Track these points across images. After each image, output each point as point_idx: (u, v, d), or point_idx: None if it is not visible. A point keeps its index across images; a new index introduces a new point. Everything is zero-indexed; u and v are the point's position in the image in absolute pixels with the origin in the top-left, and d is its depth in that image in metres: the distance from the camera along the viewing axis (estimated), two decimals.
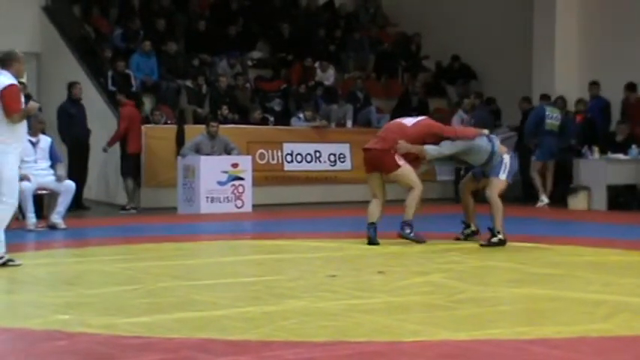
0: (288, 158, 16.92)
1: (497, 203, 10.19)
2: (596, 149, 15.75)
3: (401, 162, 10.32)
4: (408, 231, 10.29)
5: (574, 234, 11.57)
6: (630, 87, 16.52)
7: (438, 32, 20.99)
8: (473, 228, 10.70)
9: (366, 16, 22.18)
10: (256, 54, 19.35)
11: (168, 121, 16.20)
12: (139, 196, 15.57)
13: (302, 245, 10.29)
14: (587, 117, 16.78)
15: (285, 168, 16.87)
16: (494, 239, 10.04)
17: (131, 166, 15.34)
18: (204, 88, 17.17)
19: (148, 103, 16.91)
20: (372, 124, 18.12)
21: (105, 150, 15.60)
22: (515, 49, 19.17)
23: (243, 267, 8.77)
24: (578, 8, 18.20)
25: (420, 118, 11.02)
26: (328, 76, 19.05)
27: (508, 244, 10.05)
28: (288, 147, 16.92)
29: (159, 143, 15.69)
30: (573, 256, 9.35)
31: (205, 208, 14.51)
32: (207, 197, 14.61)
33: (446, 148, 10.38)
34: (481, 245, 10.05)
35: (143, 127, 15.62)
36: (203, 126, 15.30)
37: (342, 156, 17.42)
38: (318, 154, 17.20)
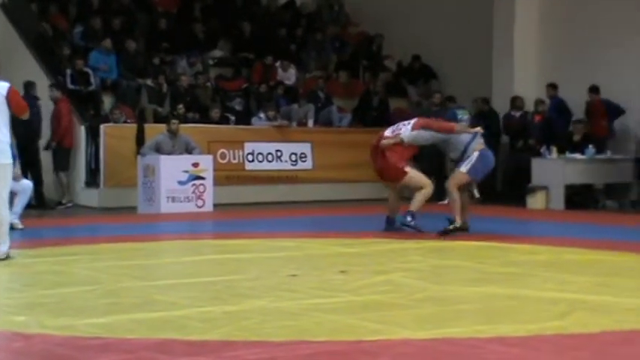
0: (250, 157, 16.90)
1: (456, 195, 10.82)
2: (554, 149, 15.89)
3: (406, 168, 11.01)
4: (409, 219, 10.88)
5: (532, 233, 11.68)
6: (593, 89, 16.69)
7: (400, 32, 21.07)
8: (464, 226, 11.09)
9: (328, 16, 22.21)
10: (217, 53, 19.30)
11: (128, 120, 16.14)
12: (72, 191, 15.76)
13: (263, 245, 10.29)
14: (545, 117, 16.92)
15: (247, 167, 16.85)
16: (450, 227, 10.66)
17: (67, 161, 15.44)
18: (165, 87, 17.11)
19: (107, 101, 16.84)
20: (333, 123, 18.18)
21: (50, 147, 15.64)
22: (475, 49, 19.29)
23: (203, 267, 8.74)
24: (537, 10, 18.34)
25: (413, 120, 11.43)
26: (289, 75, 19.06)
27: (468, 243, 10.13)
28: (249, 146, 16.90)
29: (118, 142, 15.62)
30: (531, 254, 9.43)
31: (166, 207, 14.45)
32: (168, 197, 14.56)
33: (421, 134, 11.09)
34: (439, 234, 10.58)
35: (102, 126, 15.61)
36: (164, 125, 15.25)
37: (303, 155, 17.42)
38: (279, 154, 17.20)
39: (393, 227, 11.23)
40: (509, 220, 13.94)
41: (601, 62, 17.14)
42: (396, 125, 11.48)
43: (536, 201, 15.63)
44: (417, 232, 10.91)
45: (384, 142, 11.10)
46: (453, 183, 10.96)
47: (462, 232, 10.75)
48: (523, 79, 18.00)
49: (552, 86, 17.23)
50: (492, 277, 7.85)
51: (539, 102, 17.11)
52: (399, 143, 11.07)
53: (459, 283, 7.46)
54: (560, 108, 17.13)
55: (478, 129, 11.31)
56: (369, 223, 13.35)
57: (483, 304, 6.52)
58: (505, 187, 17.63)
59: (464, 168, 10.94)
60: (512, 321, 5.85)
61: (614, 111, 16.42)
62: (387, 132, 11.35)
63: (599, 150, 15.99)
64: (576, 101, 17.00)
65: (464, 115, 16.36)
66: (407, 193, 11.69)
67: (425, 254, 9.34)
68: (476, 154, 10.98)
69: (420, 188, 11.07)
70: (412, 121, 11.34)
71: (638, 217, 14.25)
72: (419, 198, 11.02)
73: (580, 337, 5.43)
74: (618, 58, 16.87)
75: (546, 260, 9.04)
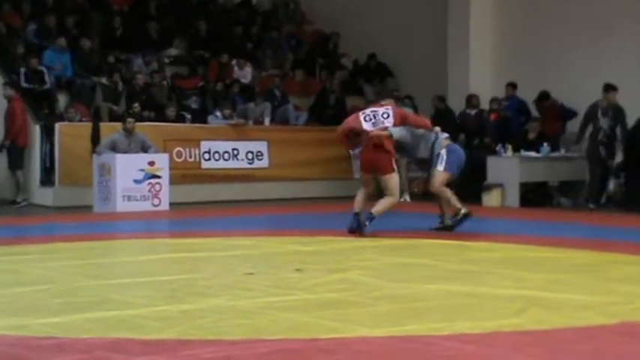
0: (206, 156, 16.83)
1: (445, 192, 11.10)
2: (509, 147, 15.99)
3: (395, 167, 10.90)
4: (367, 222, 10.70)
5: (488, 231, 11.72)
6: (543, 96, 16.85)
7: (355, 30, 21.11)
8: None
9: (284, 14, 22.20)
10: (173, 51, 19.20)
11: (83, 119, 16.01)
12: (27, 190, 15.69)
13: (219, 243, 10.24)
14: (501, 115, 17.03)
15: (203, 166, 16.78)
16: (458, 217, 10.98)
17: (22, 160, 15.41)
18: (120, 86, 16.99)
19: (62, 100, 16.69)
20: (289, 121, 18.17)
21: (4, 146, 15.51)
22: (431, 47, 19.37)
23: (159, 265, 8.69)
24: (492, 6, 18.46)
25: (390, 111, 11.14)
26: (245, 73, 19.02)
27: (425, 241, 10.19)
28: (205, 145, 16.84)
29: (74, 141, 15.49)
30: (488, 252, 9.49)
31: (121, 206, 14.35)
32: (124, 196, 14.45)
33: (403, 132, 11.04)
34: (442, 228, 11.01)
35: (57, 125, 15.48)
36: (119, 124, 15.15)
37: (259, 154, 17.39)
38: (235, 152, 17.15)
39: (359, 224, 10.92)
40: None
41: (557, 59, 17.28)
42: (370, 115, 10.99)
43: (491, 198, 15.72)
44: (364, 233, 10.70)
45: (376, 133, 10.75)
46: (437, 184, 11.10)
47: (469, 216, 11.08)
48: (479, 77, 18.10)
49: (512, 85, 17.35)
50: (449, 274, 7.88)
51: (493, 100, 17.21)
52: (389, 137, 10.85)
53: (416, 280, 7.48)
54: (520, 108, 17.26)
55: (437, 129, 11.35)
56: (326, 221, 13.38)
57: (440, 302, 6.54)
58: (461, 185, 17.70)
59: (440, 167, 11.11)
60: (468, 318, 5.87)
61: (567, 113, 16.60)
62: (367, 125, 10.89)
63: (554, 148, 16.13)
64: (532, 99, 17.13)
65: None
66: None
67: (381, 252, 9.36)
68: (444, 151, 11.13)
69: (391, 195, 10.89)
70: (389, 112, 10.98)
71: (591, 214, 14.38)
72: (386, 204, 10.83)
73: (536, 334, 5.46)
74: (575, 55, 17.02)
75: (502, 258, 9.10)
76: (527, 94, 17.14)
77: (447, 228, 11.17)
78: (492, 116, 17.15)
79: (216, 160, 16.91)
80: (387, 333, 5.40)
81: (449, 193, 11.16)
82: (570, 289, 7.06)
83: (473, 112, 17.39)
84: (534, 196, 16.12)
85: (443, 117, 17.29)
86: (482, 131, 17.17)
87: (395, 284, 7.24)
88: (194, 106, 17.77)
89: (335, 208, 15.61)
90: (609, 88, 14.79)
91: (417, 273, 7.95)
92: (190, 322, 5.71)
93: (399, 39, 20.26)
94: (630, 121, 15.03)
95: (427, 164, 11.41)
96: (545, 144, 15.98)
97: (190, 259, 8.99)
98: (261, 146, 17.42)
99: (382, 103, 11.37)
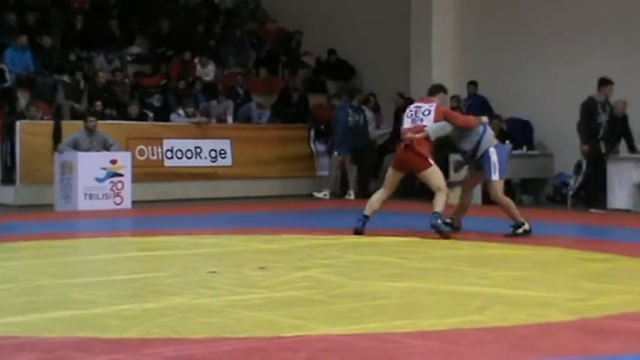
0: (169, 154, 16.77)
1: (505, 200, 10.78)
2: None
3: (431, 161, 10.74)
4: (440, 221, 10.59)
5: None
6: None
7: (318, 28, 21.12)
8: (456, 224, 11.09)
9: (246, 12, 22.16)
10: (135, 49, 19.11)
11: (45, 117, 15.89)
12: None
13: (182, 242, 10.22)
14: (462, 113, 17.09)
15: (166, 164, 16.71)
16: (519, 230, 10.60)
17: None
18: (82, 84, 16.88)
19: (23, 98, 16.55)
20: (252, 120, 18.15)
21: None
22: (393, 45, 19.42)
23: (122, 264, 8.66)
24: (454, 4, 18.56)
25: (431, 107, 10.85)
26: (208, 71, 18.97)
27: (389, 238, 10.22)
28: (168, 143, 16.77)
29: (35, 139, 15.36)
30: (451, 249, 9.54)
31: (83, 205, 14.26)
32: (86, 194, 14.36)
33: (444, 125, 10.80)
34: (505, 235, 10.55)
35: (18, 123, 15.36)
36: (81, 122, 15.05)
37: (222, 152, 17.36)
38: (198, 150, 17.10)
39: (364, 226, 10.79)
40: (427, 216, 14.03)
41: (519, 58, 17.41)
42: (413, 111, 10.82)
43: (455, 196, 15.76)
44: (448, 234, 10.55)
45: (409, 135, 10.57)
46: (498, 194, 10.77)
47: (528, 233, 10.66)
48: (441, 74, 18.17)
49: (473, 83, 17.44)
50: (412, 272, 7.92)
51: (453, 98, 17.29)
52: (426, 138, 10.62)
53: (379, 278, 7.51)
54: (483, 106, 17.35)
55: (485, 119, 11.14)
56: (289, 219, 13.38)
57: (403, 299, 6.57)
58: (425, 184, 17.78)
59: (495, 176, 10.77)
60: (431, 316, 5.91)
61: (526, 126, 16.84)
62: (406, 123, 10.74)
63: (516, 146, 16.24)
64: (494, 96, 17.25)
65: (354, 111, 16.81)
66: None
67: (344, 250, 9.38)
68: (492, 150, 10.83)
69: (438, 190, 10.70)
70: (431, 109, 10.74)
71: (553, 211, 14.50)
72: (442, 199, 10.64)
73: (497, 331, 5.51)
74: (537, 54, 17.17)
75: (465, 255, 9.16)
76: (491, 92, 17.26)
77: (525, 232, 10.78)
78: None
79: (179, 158, 16.85)
80: (349, 331, 5.41)
81: (511, 203, 10.87)
82: (532, 286, 7.13)
83: None
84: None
85: (403, 112, 17.38)
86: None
87: (357, 282, 7.27)
88: (157, 104, 17.70)
89: (298, 206, 15.64)
90: (607, 82, 14.33)
91: (380, 271, 7.98)
92: (153, 320, 5.70)
93: (362, 37, 20.30)
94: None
95: (472, 157, 11.01)
96: (507, 142, 16.07)
97: (153, 257, 8.96)
98: (224, 144, 17.38)
99: (430, 98, 11.02)
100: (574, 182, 15.47)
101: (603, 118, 14.51)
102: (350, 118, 16.99)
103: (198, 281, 7.34)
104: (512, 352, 5.03)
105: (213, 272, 7.78)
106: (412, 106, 11.01)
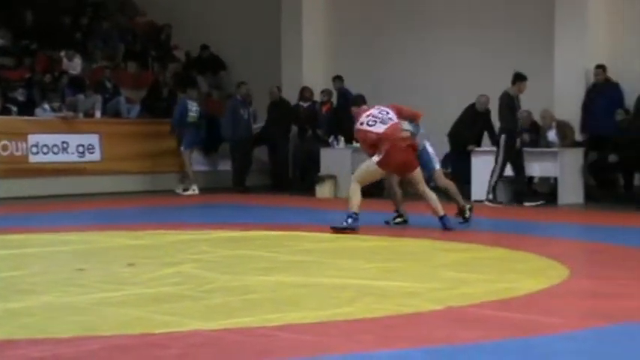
0: (34, 150, 16.39)
1: (451, 184, 11.31)
2: (342, 139, 16.22)
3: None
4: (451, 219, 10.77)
5: (321, 221, 11.84)
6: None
7: (189, 22, 20.97)
8: (404, 217, 11.29)
9: (114, 5, 21.82)
10: None
11: None
12: None
13: (48, 239, 9.99)
14: (332, 108, 17.27)
15: (31, 160, 16.33)
16: (467, 214, 11.03)
17: None
18: None
19: None
20: (121, 114, 17.90)
21: None
22: (265, 40, 19.43)
23: None
24: (324, 1, 18.70)
25: (387, 109, 10.89)
26: (75, 65, 18.60)
27: (259, 233, 10.24)
28: (33, 138, 16.39)
29: None
30: (321, 242, 9.62)
31: None
32: None
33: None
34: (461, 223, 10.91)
35: None
36: None
37: (90, 147, 17.07)
38: (65, 146, 16.78)
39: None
40: (299, 210, 14.15)
41: (386, 52, 17.67)
42: (372, 120, 10.66)
43: (324, 190, 15.93)
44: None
45: (400, 135, 10.64)
46: (443, 180, 11.30)
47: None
48: (311, 69, 18.31)
49: (339, 78, 17.58)
50: (283, 265, 7.96)
51: (324, 92, 17.44)
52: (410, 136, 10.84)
53: (249, 272, 7.51)
54: (348, 99, 17.52)
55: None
56: (159, 214, 13.27)
57: (273, 293, 6.59)
58: (295, 177, 17.92)
59: (437, 166, 11.38)
60: (302, 309, 5.95)
61: None
62: (378, 128, 10.58)
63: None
64: (362, 91, 17.42)
65: (193, 107, 16.89)
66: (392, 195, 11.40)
67: (215, 245, 9.35)
68: (427, 143, 11.29)
69: (423, 190, 10.78)
70: (388, 109, 10.81)
71: (420, 203, 14.74)
72: (434, 198, 10.75)
73: (367, 322, 5.59)
74: (407, 48, 17.46)
75: (335, 248, 9.24)
76: (360, 87, 17.43)
77: (404, 222, 11.25)
78: (324, 108, 17.37)
79: (45, 153, 16.49)
80: (219, 326, 5.41)
81: (452, 185, 11.33)
82: (400, 277, 7.26)
83: (306, 104, 17.56)
84: (366, 186, 16.39)
85: (278, 108, 17.48)
86: (315, 123, 17.38)
87: (228, 277, 7.25)
88: (21, 98, 17.23)
89: (168, 202, 15.52)
90: (523, 77, 14.26)
91: (251, 265, 7.98)
92: (17, 320, 5.57)
93: (232, 31, 20.25)
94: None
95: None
96: None
97: (17, 255, 8.72)
98: (93, 139, 17.10)
99: (364, 108, 11.06)
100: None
101: (520, 114, 14.52)
102: (192, 114, 16.98)
103: (64, 279, 7.20)
104: (381, 341, 5.11)
105: (81, 270, 7.64)
106: (371, 112, 10.80)
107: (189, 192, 16.73)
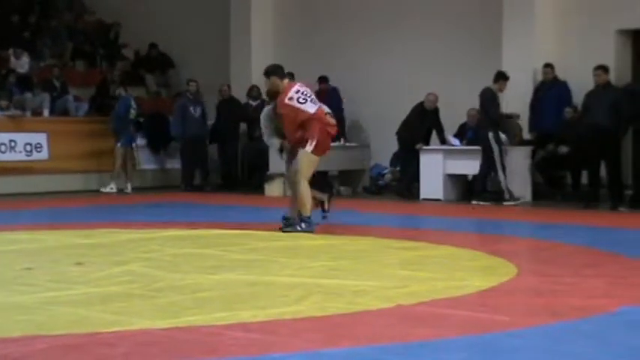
0: None
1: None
2: None
3: None
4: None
5: (270, 220, 11.84)
6: (322, 79, 17.18)
7: (137, 20, 20.86)
8: (326, 199, 10.79)
9: (63, 3, 21.64)
10: None
11: None
12: None
13: None
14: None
15: None
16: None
17: None
18: None
19: None
20: (70, 112, 17.77)
21: None
22: (214, 37, 19.39)
23: None
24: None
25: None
26: (23, 63, 18.45)
27: (209, 231, 10.22)
28: None
29: None
30: (270, 241, 9.60)
31: None
32: None
33: None
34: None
35: None
36: None
37: (38, 145, 16.93)
38: (13, 144, 16.63)
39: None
40: (248, 208, 14.14)
41: (335, 50, 17.71)
42: (306, 93, 10.19)
43: (273, 188, 15.94)
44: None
45: (328, 120, 10.20)
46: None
47: None
48: (260, 67, 18.24)
49: (290, 75, 17.56)
50: (232, 264, 7.95)
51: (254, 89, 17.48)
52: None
53: (199, 271, 7.50)
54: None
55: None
56: (107, 213, 13.19)
57: (223, 292, 6.59)
58: (244, 175, 17.91)
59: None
60: (251, 307, 5.94)
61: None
62: (312, 107, 10.10)
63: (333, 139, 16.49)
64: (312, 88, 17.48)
65: (135, 104, 16.91)
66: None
67: (163, 243, 9.30)
68: None
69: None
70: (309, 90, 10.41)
71: (369, 202, 14.83)
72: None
73: (316, 320, 5.60)
74: (358, 42, 17.53)
75: (284, 246, 9.24)
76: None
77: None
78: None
79: None
80: (169, 324, 5.39)
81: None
82: (349, 275, 7.28)
83: (255, 102, 17.54)
84: (315, 185, 16.42)
85: (228, 106, 17.48)
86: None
87: (178, 275, 7.24)
88: None
89: (116, 200, 15.43)
90: (505, 77, 14.36)
91: (201, 263, 7.97)
92: None
93: (181, 29, 20.18)
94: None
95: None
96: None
97: None
98: (40, 138, 16.96)
99: (290, 82, 10.59)
100: (388, 173, 15.93)
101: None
102: (133, 111, 16.93)
103: (12, 278, 7.14)
104: (330, 340, 5.12)
105: (29, 269, 7.58)
106: (301, 89, 10.24)
107: (107, 190, 16.59)
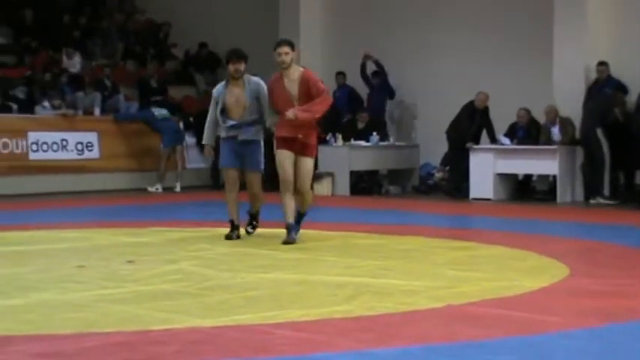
0: (34, 147, 16.41)
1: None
2: (339, 136, 16.24)
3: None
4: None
5: (320, 219, 11.83)
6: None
7: (187, 20, 20.98)
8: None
9: (113, 3, 21.83)
10: None
11: None
12: None
13: (49, 236, 10.00)
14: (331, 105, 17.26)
15: (31, 157, 16.35)
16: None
17: None
18: None
19: None
20: (120, 112, 17.90)
21: None
22: (263, 37, 19.41)
23: None
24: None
25: None
26: (74, 63, 18.63)
27: (258, 230, 10.22)
28: (33, 136, 16.41)
29: None
30: (319, 240, 9.59)
31: None
32: None
33: None
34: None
35: None
36: None
37: (89, 144, 17.09)
38: (65, 143, 16.80)
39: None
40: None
41: (385, 50, 17.67)
42: None
43: (322, 187, 15.94)
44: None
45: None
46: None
47: None
48: (310, 65, 18.26)
49: (341, 74, 17.62)
50: (282, 263, 7.96)
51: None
52: None
53: (249, 270, 7.52)
54: (351, 96, 17.56)
55: None
56: (158, 212, 13.27)
57: (272, 291, 6.59)
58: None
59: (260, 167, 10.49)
60: (300, 306, 5.95)
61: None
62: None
63: (383, 137, 16.50)
64: (363, 87, 17.50)
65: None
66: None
67: (214, 242, 9.35)
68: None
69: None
70: None
71: (418, 201, 14.77)
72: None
73: (365, 320, 5.59)
74: (403, 44, 17.49)
75: (333, 245, 9.24)
76: (360, 83, 17.50)
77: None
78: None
79: (45, 151, 16.51)
80: (218, 323, 5.41)
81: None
82: (398, 274, 7.26)
83: None
84: (365, 184, 16.44)
85: None
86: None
87: (227, 274, 7.26)
88: (21, 96, 17.26)
89: (167, 199, 15.53)
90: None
91: (250, 262, 7.99)
92: (17, 317, 5.58)
93: (230, 29, 20.23)
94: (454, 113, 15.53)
95: None
96: (374, 133, 16.32)
97: (18, 252, 8.75)
98: (92, 137, 17.12)
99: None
100: (438, 173, 15.89)
101: None
102: (157, 114, 17.04)
103: (64, 276, 7.21)
104: (380, 339, 5.11)
105: (81, 267, 7.65)
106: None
107: (153, 189, 16.68)
